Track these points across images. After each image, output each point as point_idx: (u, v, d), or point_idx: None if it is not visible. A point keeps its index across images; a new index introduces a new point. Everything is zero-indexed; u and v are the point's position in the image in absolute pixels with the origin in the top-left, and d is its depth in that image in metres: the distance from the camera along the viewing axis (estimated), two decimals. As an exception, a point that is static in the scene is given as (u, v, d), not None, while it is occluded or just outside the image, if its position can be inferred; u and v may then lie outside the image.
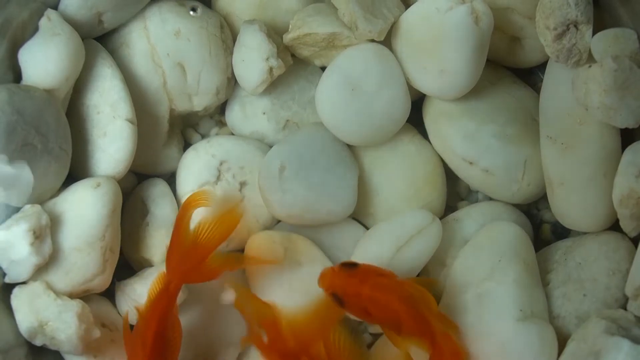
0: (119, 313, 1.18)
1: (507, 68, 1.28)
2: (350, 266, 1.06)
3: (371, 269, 1.07)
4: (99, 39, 1.22)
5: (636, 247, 1.14)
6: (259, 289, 1.16)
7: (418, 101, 1.25)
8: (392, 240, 1.15)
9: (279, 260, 1.16)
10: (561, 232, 1.26)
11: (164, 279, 1.07)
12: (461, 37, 1.14)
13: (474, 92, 1.20)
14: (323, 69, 1.23)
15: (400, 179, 1.22)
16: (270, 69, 1.19)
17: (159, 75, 1.22)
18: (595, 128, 1.16)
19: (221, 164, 1.21)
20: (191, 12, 1.25)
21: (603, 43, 1.13)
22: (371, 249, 1.16)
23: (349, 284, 1.04)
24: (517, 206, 1.24)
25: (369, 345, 1.20)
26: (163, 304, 1.06)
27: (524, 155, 1.21)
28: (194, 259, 1.08)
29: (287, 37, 1.22)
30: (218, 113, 1.30)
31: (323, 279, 1.06)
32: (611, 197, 1.13)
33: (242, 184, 1.21)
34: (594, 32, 1.14)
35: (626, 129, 1.13)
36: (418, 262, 1.15)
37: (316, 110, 1.21)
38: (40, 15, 1.14)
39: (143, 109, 1.21)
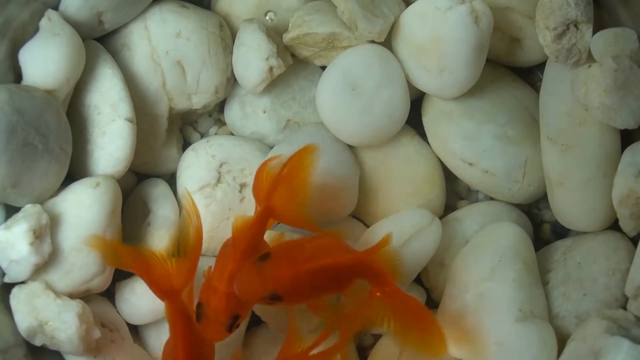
0: (118, 313, 1.18)
1: (507, 67, 1.27)
2: (264, 258, 0.98)
3: (287, 246, 1.02)
4: (99, 40, 1.22)
5: (636, 246, 1.13)
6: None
7: (415, 102, 1.24)
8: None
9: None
10: (561, 232, 1.26)
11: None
12: (461, 37, 1.14)
13: (474, 91, 1.20)
14: (323, 68, 1.23)
15: (400, 179, 1.22)
16: (270, 69, 1.19)
17: (159, 74, 1.22)
18: (595, 128, 1.16)
19: (221, 165, 1.21)
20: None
21: (603, 43, 1.13)
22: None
23: (283, 273, 0.96)
24: (517, 206, 1.24)
25: (371, 346, 1.20)
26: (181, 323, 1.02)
27: (524, 156, 1.21)
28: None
29: (287, 37, 1.22)
30: (217, 111, 1.30)
31: (244, 292, 0.95)
32: (611, 197, 1.13)
33: (242, 186, 1.21)
34: (594, 32, 1.14)
35: (626, 129, 1.13)
36: (418, 262, 1.15)
37: (317, 110, 1.21)
38: (40, 15, 1.14)
39: (142, 107, 1.21)
